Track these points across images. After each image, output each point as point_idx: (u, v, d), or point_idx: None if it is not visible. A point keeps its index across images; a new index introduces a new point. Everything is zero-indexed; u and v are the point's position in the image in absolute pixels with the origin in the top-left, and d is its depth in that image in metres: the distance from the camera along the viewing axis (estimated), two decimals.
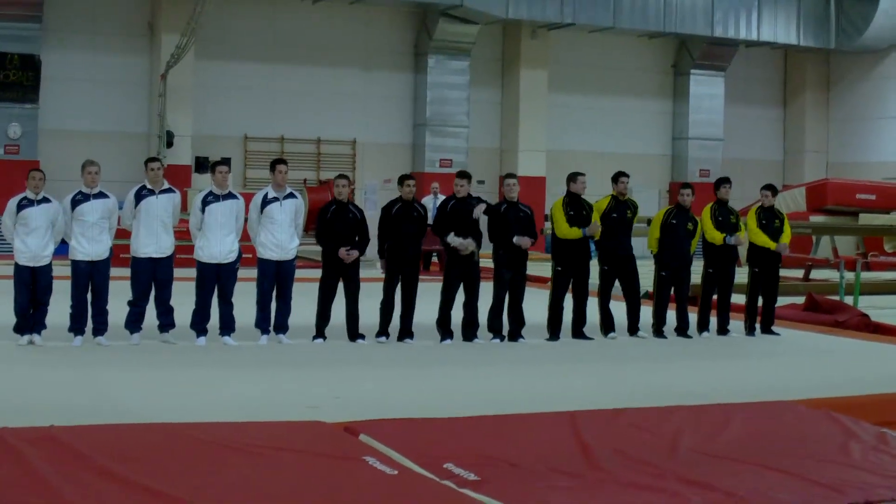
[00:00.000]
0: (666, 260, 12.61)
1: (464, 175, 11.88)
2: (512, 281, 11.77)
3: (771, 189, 13.09)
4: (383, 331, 11.51)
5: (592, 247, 12.56)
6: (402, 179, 11.74)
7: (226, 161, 11.87)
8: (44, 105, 24.90)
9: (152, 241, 10.91)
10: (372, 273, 11.61)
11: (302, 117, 27.73)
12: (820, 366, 11.07)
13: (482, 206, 11.68)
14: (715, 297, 12.92)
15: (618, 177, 12.51)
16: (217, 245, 10.98)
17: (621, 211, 12.41)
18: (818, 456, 6.62)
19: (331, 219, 11.34)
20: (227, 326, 11.08)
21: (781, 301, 13.76)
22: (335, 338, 11.34)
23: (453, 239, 11.52)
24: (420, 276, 11.77)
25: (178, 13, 24.78)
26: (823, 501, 5.58)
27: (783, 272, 13.66)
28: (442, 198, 18.34)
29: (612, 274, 12.47)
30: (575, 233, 11.92)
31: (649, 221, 12.78)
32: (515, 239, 11.65)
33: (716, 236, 12.59)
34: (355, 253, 11.31)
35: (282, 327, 11.26)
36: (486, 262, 11.84)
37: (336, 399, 8.29)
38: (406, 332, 11.59)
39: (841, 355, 11.82)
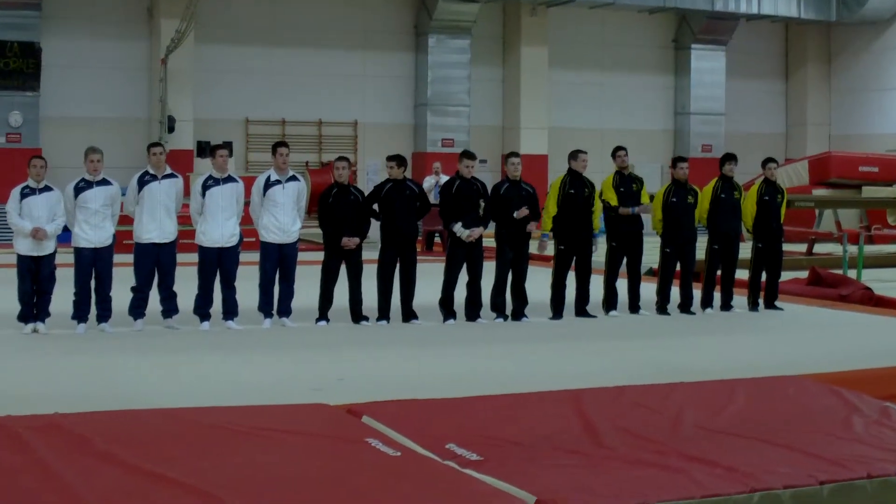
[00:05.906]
0: (671, 237, 12.57)
1: (472, 156, 11.84)
2: (514, 260, 11.76)
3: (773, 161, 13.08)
4: (384, 315, 11.51)
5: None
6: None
7: (226, 144, 11.89)
8: (44, 92, 24.85)
9: (155, 227, 10.89)
10: (376, 255, 11.59)
11: (303, 100, 27.68)
12: (823, 340, 11.06)
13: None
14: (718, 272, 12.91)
15: (615, 151, 12.50)
16: (218, 229, 10.98)
17: (627, 185, 12.38)
18: (821, 430, 6.63)
19: (332, 202, 11.34)
20: (231, 311, 11.09)
21: (785, 276, 13.75)
22: (338, 320, 11.35)
23: (460, 230, 11.49)
24: (423, 257, 11.75)
25: None
26: (826, 476, 5.58)
27: (786, 247, 13.65)
28: (445, 178, 18.31)
29: (620, 251, 12.44)
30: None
31: (651, 198, 12.76)
32: (515, 213, 11.63)
33: (702, 219, 12.59)
34: (356, 240, 11.31)
35: (285, 311, 11.27)
36: (489, 242, 11.84)
37: (339, 381, 8.32)
38: (409, 314, 11.59)
39: (844, 329, 11.81)
